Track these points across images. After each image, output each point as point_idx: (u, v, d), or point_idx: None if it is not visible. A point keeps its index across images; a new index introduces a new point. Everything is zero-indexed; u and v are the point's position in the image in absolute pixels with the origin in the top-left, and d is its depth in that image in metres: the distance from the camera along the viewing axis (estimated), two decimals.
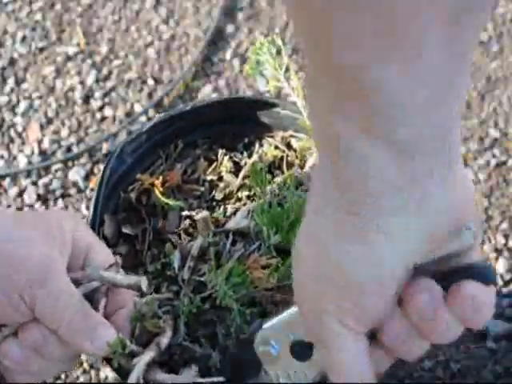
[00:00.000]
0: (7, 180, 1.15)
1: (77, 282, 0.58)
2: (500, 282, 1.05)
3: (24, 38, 1.31)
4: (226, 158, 0.76)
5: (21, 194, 1.15)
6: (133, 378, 0.58)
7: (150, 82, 1.26)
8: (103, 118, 1.22)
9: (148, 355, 0.59)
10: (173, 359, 0.63)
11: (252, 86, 1.25)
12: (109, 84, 1.25)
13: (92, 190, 1.15)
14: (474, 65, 1.27)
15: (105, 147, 1.19)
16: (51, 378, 0.97)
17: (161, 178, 0.75)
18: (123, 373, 0.60)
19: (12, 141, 1.20)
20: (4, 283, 0.54)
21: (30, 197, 1.14)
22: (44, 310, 0.55)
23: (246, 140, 0.78)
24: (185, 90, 1.25)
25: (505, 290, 1.05)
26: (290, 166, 0.75)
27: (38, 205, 1.13)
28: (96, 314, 0.58)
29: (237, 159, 0.77)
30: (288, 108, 0.76)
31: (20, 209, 1.13)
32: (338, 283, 0.45)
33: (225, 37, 1.32)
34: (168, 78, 1.26)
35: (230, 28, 1.32)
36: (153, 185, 0.75)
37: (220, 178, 0.76)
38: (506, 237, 1.10)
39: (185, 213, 0.73)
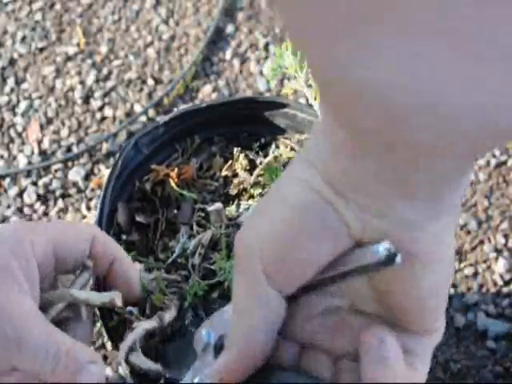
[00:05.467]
0: (7, 180, 1.15)
1: (51, 303, 0.55)
2: (500, 282, 1.05)
3: (24, 38, 1.31)
4: (242, 155, 0.76)
5: (21, 194, 1.15)
6: (129, 340, 0.58)
7: (150, 81, 1.26)
8: (103, 118, 1.22)
9: (148, 323, 0.59)
10: (175, 339, 0.64)
11: (252, 86, 1.25)
12: (109, 84, 1.25)
13: (92, 190, 1.15)
14: None
15: (105, 147, 1.19)
16: None
17: (176, 170, 0.76)
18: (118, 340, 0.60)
19: (12, 141, 1.20)
20: None
21: (29, 197, 1.14)
22: (24, 369, 0.52)
23: (263, 140, 0.79)
24: (185, 90, 1.25)
25: (505, 289, 1.05)
26: None
27: (37, 205, 1.13)
28: (82, 353, 0.53)
29: (252, 157, 0.77)
30: (305, 111, 0.77)
31: (20, 209, 1.13)
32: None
33: (225, 37, 1.32)
34: (168, 78, 1.26)
35: (229, 28, 1.32)
36: (168, 176, 0.75)
37: (235, 175, 0.76)
38: (506, 237, 1.10)
39: (198, 205, 0.74)
